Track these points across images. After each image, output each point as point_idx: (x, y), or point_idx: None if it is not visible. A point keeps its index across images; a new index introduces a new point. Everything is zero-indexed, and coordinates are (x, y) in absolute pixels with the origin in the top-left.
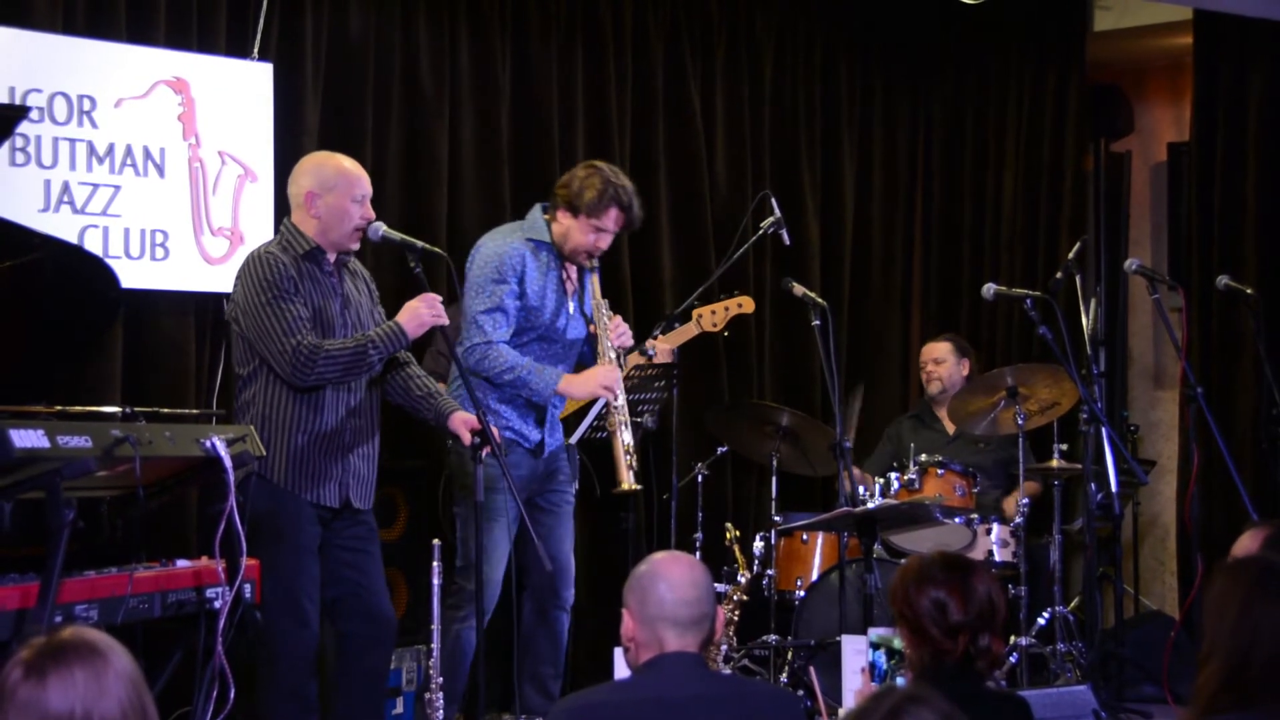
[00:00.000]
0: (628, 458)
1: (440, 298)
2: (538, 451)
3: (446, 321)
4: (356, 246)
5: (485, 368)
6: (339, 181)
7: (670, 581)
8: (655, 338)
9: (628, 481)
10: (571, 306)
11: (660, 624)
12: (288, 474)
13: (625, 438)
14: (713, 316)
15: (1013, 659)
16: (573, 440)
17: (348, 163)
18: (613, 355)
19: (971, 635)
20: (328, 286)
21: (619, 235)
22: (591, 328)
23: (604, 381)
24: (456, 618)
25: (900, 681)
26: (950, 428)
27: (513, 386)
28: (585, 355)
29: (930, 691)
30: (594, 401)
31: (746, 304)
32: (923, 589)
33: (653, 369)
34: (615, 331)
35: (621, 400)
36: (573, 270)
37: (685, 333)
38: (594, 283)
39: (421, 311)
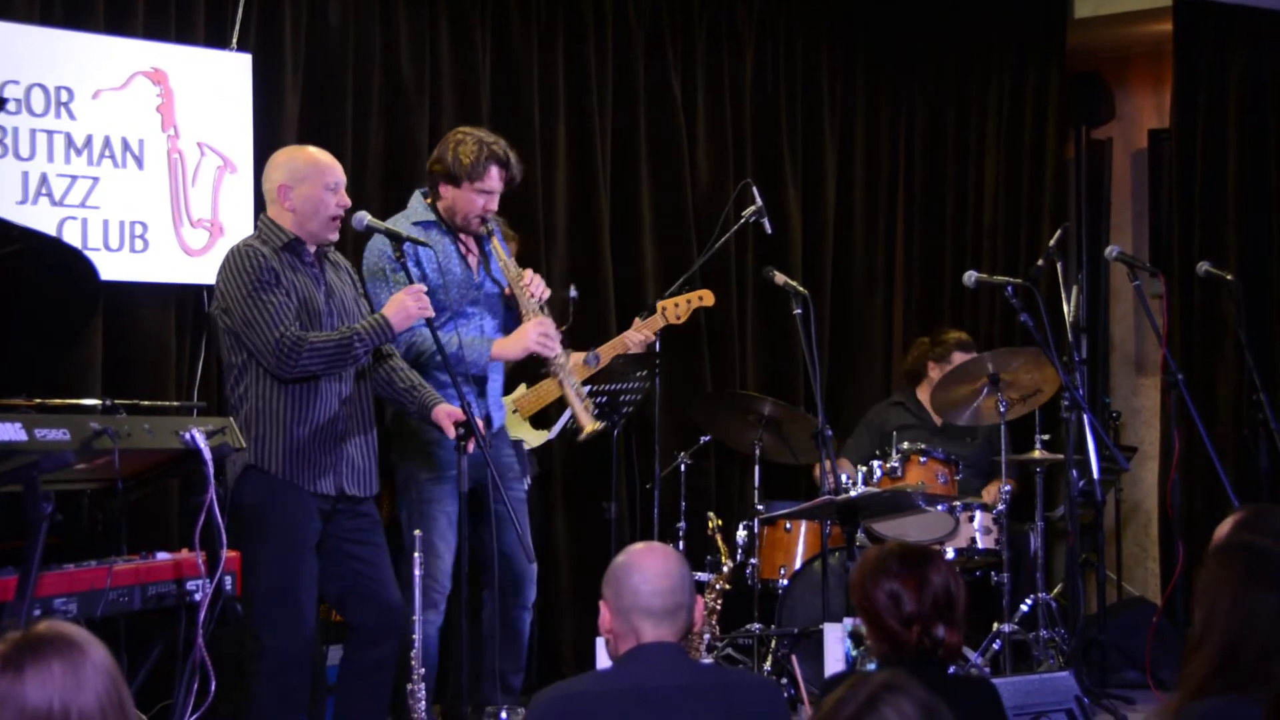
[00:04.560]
0: (581, 401)
1: (425, 288)
2: (486, 423)
3: (432, 314)
4: (335, 237)
5: (413, 355)
6: (310, 171)
7: (644, 573)
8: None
9: (590, 423)
10: (478, 276)
11: (635, 615)
12: (285, 465)
13: (572, 382)
14: (676, 309)
15: (995, 646)
16: (551, 434)
17: (318, 152)
18: (536, 308)
19: (925, 626)
20: (310, 277)
21: (507, 195)
22: (506, 290)
23: (536, 336)
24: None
25: (871, 668)
26: (938, 419)
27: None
28: (508, 321)
29: (908, 679)
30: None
31: (707, 297)
32: (878, 581)
33: (634, 359)
34: (531, 285)
35: (559, 349)
36: (470, 242)
37: (653, 324)
38: (495, 245)
39: (408, 304)
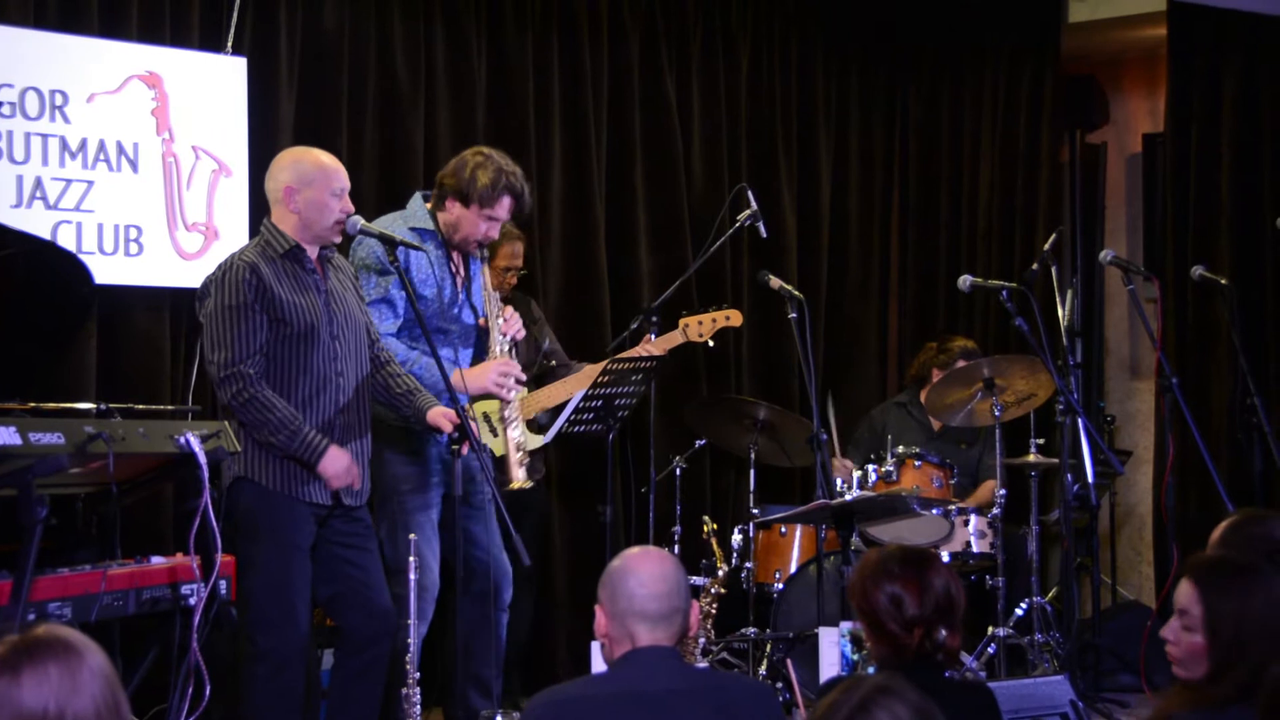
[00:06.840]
0: (519, 454)
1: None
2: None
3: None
4: (339, 239)
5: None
6: (317, 175)
7: (640, 577)
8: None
9: (517, 479)
10: (460, 296)
11: (630, 619)
12: (277, 475)
13: (514, 434)
14: (699, 327)
15: (991, 650)
16: (547, 437)
17: (325, 157)
18: (505, 348)
19: (927, 629)
20: (309, 284)
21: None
22: (482, 321)
23: (495, 377)
24: None
25: (870, 671)
26: (937, 424)
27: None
28: (479, 352)
29: (901, 682)
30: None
31: (735, 317)
32: (879, 584)
33: (629, 362)
34: (507, 325)
35: (514, 396)
36: (460, 259)
37: (670, 340)
38: (484, 273)
39: (341, 470)
